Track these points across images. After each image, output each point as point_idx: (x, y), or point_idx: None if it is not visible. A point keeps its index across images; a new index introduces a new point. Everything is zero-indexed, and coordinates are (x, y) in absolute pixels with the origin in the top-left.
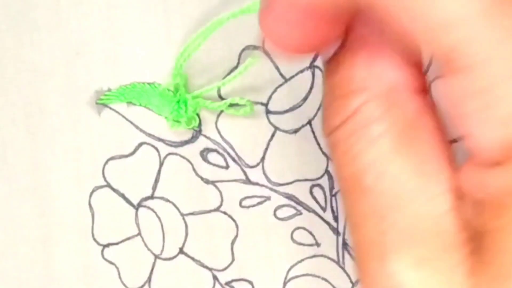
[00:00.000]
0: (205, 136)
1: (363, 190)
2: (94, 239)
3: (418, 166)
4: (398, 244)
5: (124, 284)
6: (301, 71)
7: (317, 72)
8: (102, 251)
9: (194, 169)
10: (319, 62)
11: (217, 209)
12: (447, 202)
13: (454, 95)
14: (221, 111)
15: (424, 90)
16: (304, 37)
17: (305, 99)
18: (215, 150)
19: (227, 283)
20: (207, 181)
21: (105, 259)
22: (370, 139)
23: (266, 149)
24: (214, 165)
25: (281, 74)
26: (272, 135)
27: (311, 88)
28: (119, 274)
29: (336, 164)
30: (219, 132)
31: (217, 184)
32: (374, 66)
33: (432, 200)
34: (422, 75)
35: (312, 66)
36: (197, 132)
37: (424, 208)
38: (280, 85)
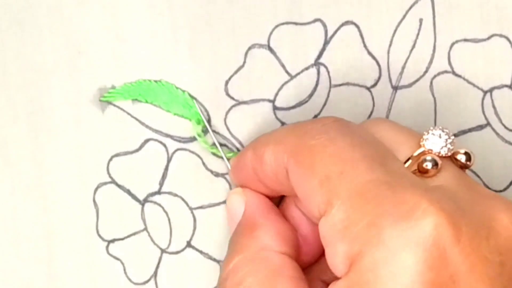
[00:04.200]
0: (214, 131)
1: None
2: (99, 235)
3: None
4: None
5: (129, 279)
6: (306, 68)
7: (322, 69)
8: (107, 246)
9: (203, 163)
10: (324, 59)
11: (225, 201)
12: None
13: (323, 230)
14: (229, 109)
15: (292, 255)
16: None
17: (310, 95)
18: (225, 145)
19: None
20: (216, 174)
21: (110, 255)
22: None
23: None
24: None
25: (287, 72)
26: None
27: (316, 85)
28: (124, 269)
29: None
30: (228, 129)
31: (227, 176)
32: (254, 234)
33: None
34: (292, 244)
35: (317, 63)
36: (206, 129)
37: None
38: (286, 82)
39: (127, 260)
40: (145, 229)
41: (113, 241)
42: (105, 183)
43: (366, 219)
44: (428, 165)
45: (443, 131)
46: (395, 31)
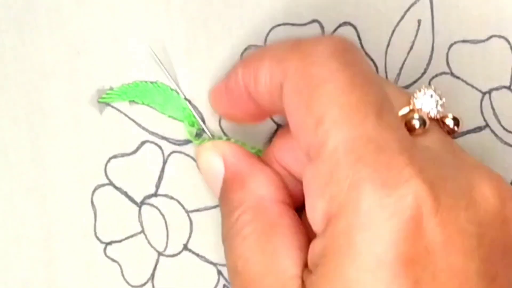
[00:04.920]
0: (208, 134)
1: (236, 273)
2: (97, 237)
3: (272, 251)
4: None
5: (127, 282)
6: None
7: None
8: (105, 249)
9: (198, 167)
10: None
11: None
12: (290, 273)
13: (306, 178)
14: None
15: (287, 202)
16: (228, 113)
17: None
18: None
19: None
20: None
21: (108, 257)
22: (242, 237)
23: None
24: None
25: None
26: (275, 131)
27: None
28: (121, 271)
29: (226, 260)
30: (222, 130)
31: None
32: (247, 187)
33: (279, 273)
34: (285, 191)
35: None
36: (201, 131)
37: (274, 278)
38: None
39: (124, 263)
40: (142, 231)
41: (110, 243)
42: (103, 185)
43: (348, 180)
44: (416, 124)
45: (435, 92)
46: (393, 32)
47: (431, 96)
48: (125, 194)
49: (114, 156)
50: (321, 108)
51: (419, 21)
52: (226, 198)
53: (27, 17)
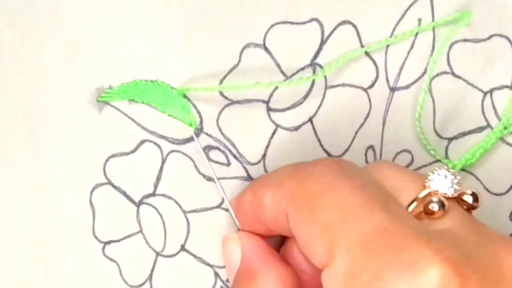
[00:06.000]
0: (206, 133)
1: None
2: (95, 237)
3: None
4: None
5: (125, 281)
6: (302, 69)
7: (318, 70)
8: (103, 248)
9: (196, 167)
10: (320, 60)
11: (218, 206)
12: None
13: (325, 284)
14: (222, 109)
15: None
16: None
17: (305, 96)
18: (217, 148)
19: (228, 280)
20: (208, 178)
21: (106, 256)
22: None
23: (267, 146)
24: (215, 162)
25: (282, 72)
26: (273, 133)
27: (311, 86)
28: (120, 271)
29: None
30: (220, 130)
31: (219, 181)
32: (256, 285)
33: None
34: None
35: (313, 64)
36: (199, 130)
37: None
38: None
39: (123, 262)
40: (141, 231)
41: (109, 242)
42: (102, 184)
43: (369, 272)
44: (435, 207)
45: (449, 171)
46: (393, 31)
47: (446, 176)
48: (124, 193)
49: (113, 155)
50: (325, 216)
51: (419, 20)
52: None
53: (27, 17)
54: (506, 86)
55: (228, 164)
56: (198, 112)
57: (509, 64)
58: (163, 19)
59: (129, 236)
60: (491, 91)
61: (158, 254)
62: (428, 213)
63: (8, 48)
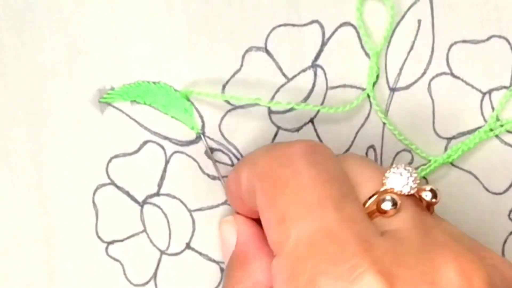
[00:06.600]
0: (208, 137)
1: None
2: (98, 237)
3: None
4: None
5: (129, 280)
6: (303, 70)
7: (319, 71)
8: (107, 248)
9: (200, 167)
10: (321, 61)
11: (224, 203)
12: None
13: (273, 273)
14: (225, 114)
15: None
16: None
17: (306, 98)
18: (220, 150)
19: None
20: (213, 177)
21: (110, 256)
22: None
23: None
24: (220, 162)
25: (283, 74)
26: (275, 134)
27: (313, 87)
28: (124, 270)
29: None
30: (222, 134)
31: (225, 179)
32: (247, 268)
33: None
34: None
35: (314, 65)
36: (201, 134)
37: None
38: (283, 85)
39: (126, 262)
40: (144, 230)
41: (112, 242)
42: (105, 185)
43: (307, 275)
44: (387, 205)
45: (405, 169)
46: (393, 31)
47: (401, 174)
48: (127, 193)
49: (116, 156)
50: (283, 207)
51: (419, 21)
52: (229, 271)
53: (27, 17)
54: (505, 87)
55: (232, 165)
56: (201, 116)
57: (508, 65)
58: (166, 21)
59: (133, 235)
60: (490, 91)
61: (162, 252)
62: (381, 211)
63: (9, 48)
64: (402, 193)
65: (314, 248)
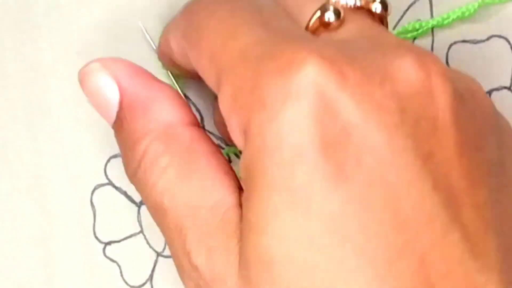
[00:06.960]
0: (208, 131)
1: (164, 211)
2: (96, 237)
3: (199, 181)
4: (195, 242)
5: (126, 282)
6: None
7: None
8: (104, 249)
9: None
10: None
11: None
12: (226, 204)
13: (220, 103)
14: None
15: (196, 123)
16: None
17: None
18: (218, 145)
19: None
20: None
21: (107, 257)
22: (160, 171)
23: None
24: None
25: None
26: None
27: None
28: (120, 271)
29: (143, 199)
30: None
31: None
32: (150, 113)
33: (214, 205)
34: (191, 112)
35: None
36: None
37: (209, 212)
38: None
39: (123, 263)
40: (141, 231)
41: (109, 243)
42: (103, 185)
43: (250, 84)
44: (330, 17)
45: None
46: (392, 31)
47: None
48: (125, 194)
49: (114, 156)
50: (209, 44)
51: (418, 21)
52: (126, 128)
53: (27, 17)
54: (505, 87)
55: (229, 162)
56: (198, 110)
57: (508, 65)
58: (166, 21)
59: (130, 236)
60: (490, 92)
61: (159, 254)
62: (324, 25)
63: (9, 48)
64: (348, 5)
65: (250, 58)
